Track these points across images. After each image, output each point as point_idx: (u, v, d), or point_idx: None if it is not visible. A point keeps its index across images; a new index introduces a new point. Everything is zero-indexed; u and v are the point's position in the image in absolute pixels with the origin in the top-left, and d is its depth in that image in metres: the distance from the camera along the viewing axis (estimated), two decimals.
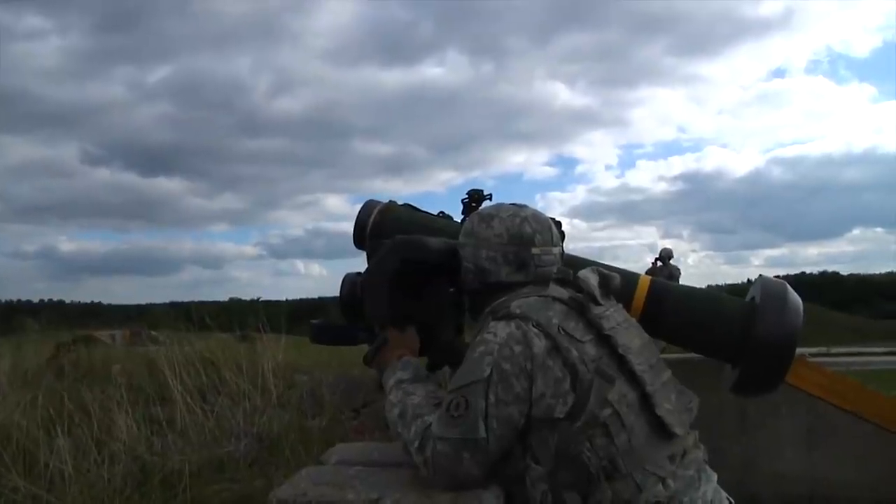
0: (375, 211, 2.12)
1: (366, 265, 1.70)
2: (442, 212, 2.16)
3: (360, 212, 2.14)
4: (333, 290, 1.78)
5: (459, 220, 1.99)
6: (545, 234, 1.55)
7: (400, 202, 2.19)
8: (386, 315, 1.60)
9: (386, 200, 2.19)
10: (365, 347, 1.64)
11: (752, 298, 1.91)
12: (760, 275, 2.00)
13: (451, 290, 1.65)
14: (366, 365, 1.64)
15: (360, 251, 2.11)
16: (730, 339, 1.86)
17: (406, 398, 1.45)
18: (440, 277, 1.63)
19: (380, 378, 1.59)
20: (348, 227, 2.16)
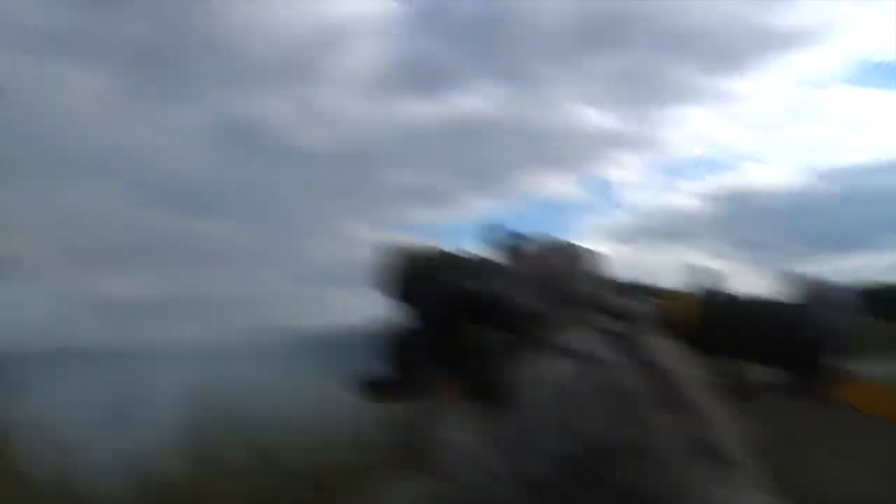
0: (405, 256, 2.13)
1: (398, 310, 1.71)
2: (472, 251, 2.16)
3: (388, 257, 2.15)
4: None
5: (494, 258, 2.00)
6: (583, 264, 1.56)
7: (434, 236, 2.20)
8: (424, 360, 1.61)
9: (419, 237, 2.20)
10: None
11: (801, 303, 1.91)
12: (809, 279, 1.98)
13: (492, 328, 1.66)
14: (385, 403, 1.63)
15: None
16: (780, 344, 1.86)
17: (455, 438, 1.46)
18: (479, 317, 1.64)
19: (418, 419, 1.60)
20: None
